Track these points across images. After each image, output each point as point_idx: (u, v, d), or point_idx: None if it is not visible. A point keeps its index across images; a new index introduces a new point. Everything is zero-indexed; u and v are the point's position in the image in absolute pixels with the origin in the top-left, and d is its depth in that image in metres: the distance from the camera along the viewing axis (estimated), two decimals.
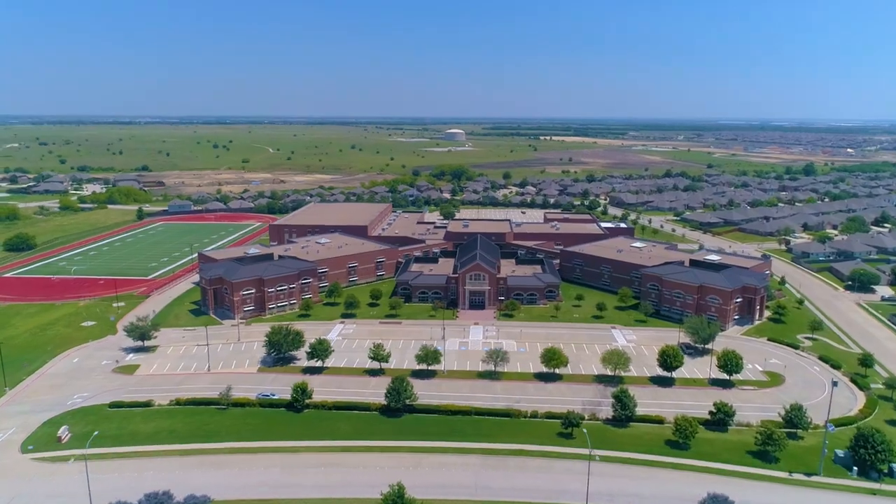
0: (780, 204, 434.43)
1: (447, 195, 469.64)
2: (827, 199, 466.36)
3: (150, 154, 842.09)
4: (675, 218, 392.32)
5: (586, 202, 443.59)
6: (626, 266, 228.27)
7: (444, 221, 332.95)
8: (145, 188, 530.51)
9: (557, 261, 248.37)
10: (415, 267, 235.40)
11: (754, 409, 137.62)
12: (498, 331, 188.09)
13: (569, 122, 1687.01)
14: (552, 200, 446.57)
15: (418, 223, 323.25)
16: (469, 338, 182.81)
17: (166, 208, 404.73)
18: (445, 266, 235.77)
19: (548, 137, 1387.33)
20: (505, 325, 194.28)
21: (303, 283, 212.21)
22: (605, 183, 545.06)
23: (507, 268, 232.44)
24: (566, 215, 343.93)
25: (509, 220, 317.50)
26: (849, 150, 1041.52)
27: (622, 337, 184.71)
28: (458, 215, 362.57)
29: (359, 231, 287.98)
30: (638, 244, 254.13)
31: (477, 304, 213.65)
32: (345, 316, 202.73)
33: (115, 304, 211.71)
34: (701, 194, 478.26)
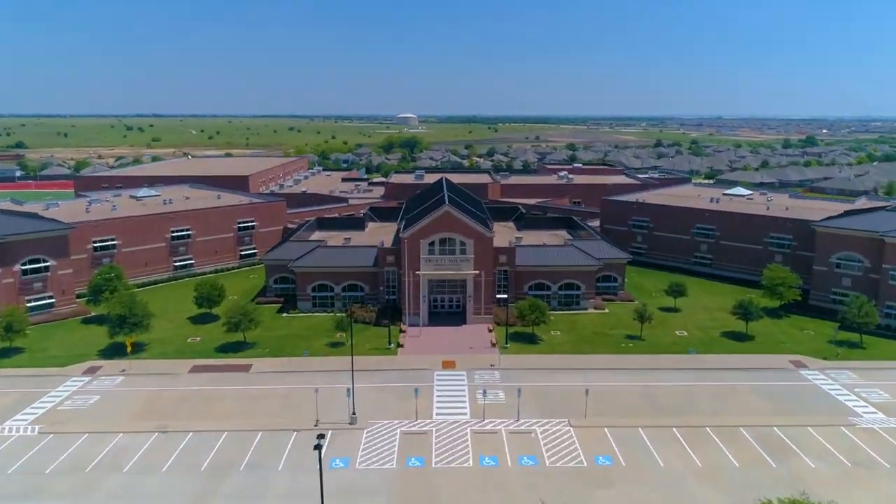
0: (830, 165, 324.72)
1: (394, 162, 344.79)
2: (875, 163, 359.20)
3: (45, 136, 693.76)
4: (706, 181, 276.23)
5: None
6: (759, 224, 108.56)
7: (386, 180, 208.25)
8: None
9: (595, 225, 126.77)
10: (316, 235, 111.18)
11: None
12: (507, 394, 65.92)
13: (528, 118, 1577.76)
14: (534, 167, 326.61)
15: (343, 180, 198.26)
16: (430, 425, 60.66)
17: None
18: (379, 234, 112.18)
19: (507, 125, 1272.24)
20: (524, 374, 72.46)
21: (27, 270, 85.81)
22: (594, 151, 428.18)
23: (506, 235, 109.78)
24: (574, 165, 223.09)
25: (489, 172, 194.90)
26: (824, 130, 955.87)
27: (853, 399, 64.77)
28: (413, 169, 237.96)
29: (235, 184, 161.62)
30: (741, 191, 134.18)
31: (448, 309, 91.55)
32: (111, 352, 77.56)
33: None
34: (718, 159, 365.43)
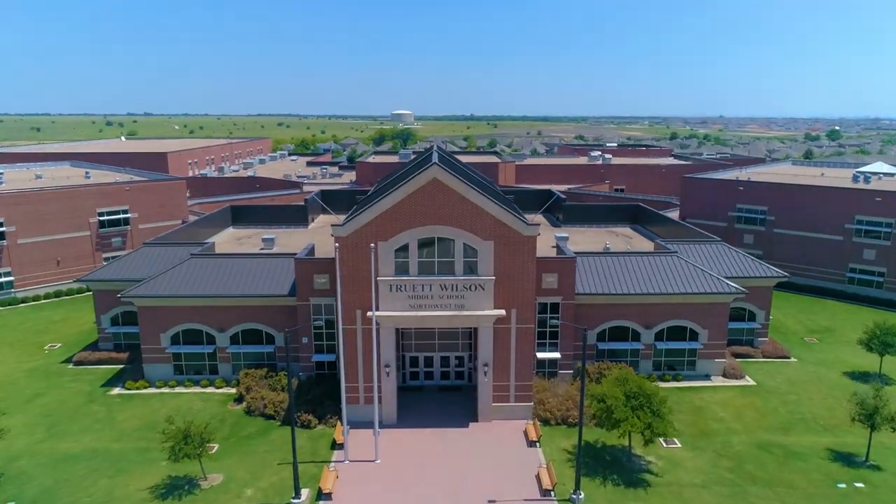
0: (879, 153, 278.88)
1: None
2: None
3: (15, 132, 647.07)
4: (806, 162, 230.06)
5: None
6: None
7: (361, 159, 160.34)
8: None
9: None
10: (224, 236, 64.42)
11: None
12: None
13: (527, 117, 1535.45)
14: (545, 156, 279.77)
15: (308, 164, 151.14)
16: None
17: None
18: (328, 235, 66.06)
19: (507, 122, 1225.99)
20: None
21: None
22: (607, 142, 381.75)
23: (542, 235, 62.73)
24: (606, 145, 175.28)
25: (497, 153, 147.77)
26: (836, 127, 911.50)
27: None
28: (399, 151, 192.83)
29: (147, 164, 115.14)
30: (884, 168, 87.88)
31: (437, 385, 45.12)
32: None
33: None
34: (754, 147, 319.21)
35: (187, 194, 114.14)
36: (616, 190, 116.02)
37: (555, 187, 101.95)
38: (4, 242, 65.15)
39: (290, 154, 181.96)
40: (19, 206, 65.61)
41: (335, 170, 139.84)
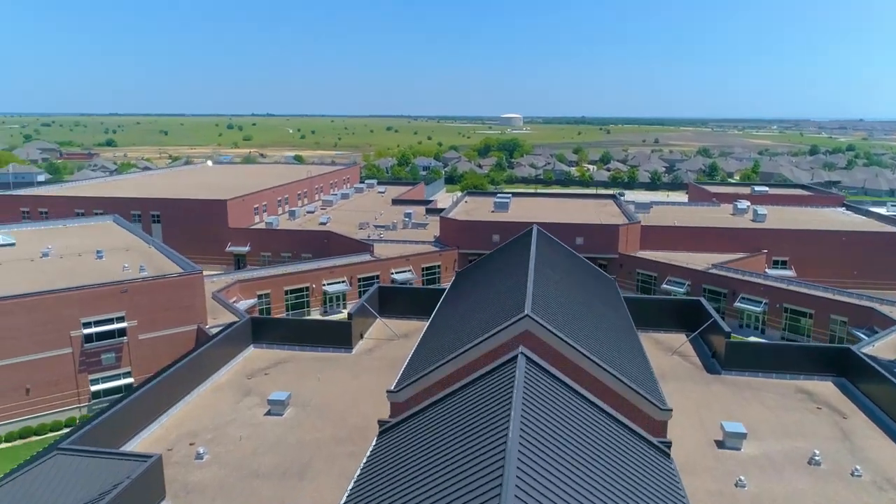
0: None
1: (486, 169, 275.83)
2: None
3: (147, 134, 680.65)
4: None
5: (723, 178, 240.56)
6: None
7: (443, 214, 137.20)
8: (64, 157, 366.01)
9: None
10: (242, 363, 44.54)
11: None
12: None
13: (642, 120, 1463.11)
14: (666, 179, 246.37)
15: (394, 203, 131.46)
16: None
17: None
18: (380, 364, 44.79)
19: (620, 127, 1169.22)
20: None
21: None
22: (735, 159, 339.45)
23: (704, 409, 38.07)
24: (755, 189, 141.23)
25: (616, 197, 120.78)
26: None
27: None
28: (494, 190, 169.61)
29: (208, 215, 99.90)
30: None
31: None
32: None
33: None
34: None
35: (246, 248, 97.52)
36: (776, 264, 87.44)
37: (692, 261, 76.00)
38: None
39: (378, 183, 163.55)
40: None
41: (421, 212, 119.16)
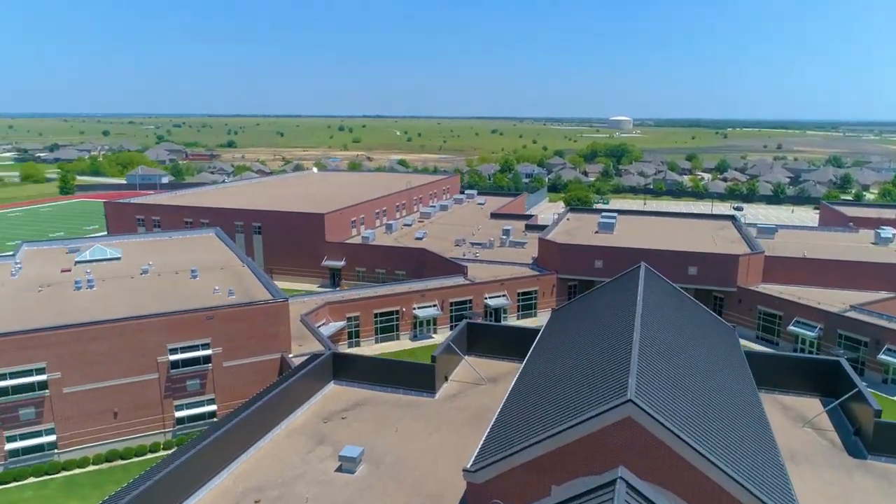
0: None
1: (592, 178, 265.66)
2: None
3: (264, 136, 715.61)
4: None
5: (858, 193, 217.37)
6: None
7: (541, 234, 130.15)
8: (189, 158, 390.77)
9: None
10: (319, 405, 42.03)
11: None
12: None
13: (763, 122, 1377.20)
14: (790, 192, 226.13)
15: (493, 216, 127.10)
16: None
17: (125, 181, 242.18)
18: (456, 421, 40.51)
19: (738, 130, 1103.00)
20: None
21: None
22: (872, 169, 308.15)
23: None
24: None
25: (736, 219, 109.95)
26: None
27: None
28: (600, 208, 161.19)
29: (307, 228, 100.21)
30: None
31: None
32: None
33: None
34: None
35: (341, 263, 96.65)
36: None
37: (825, 300, 66.62)
38: (46, 393, 49.44)
39: (478, 193, 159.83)
40: (64, 346, 49.45)
41: (520, 228, 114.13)
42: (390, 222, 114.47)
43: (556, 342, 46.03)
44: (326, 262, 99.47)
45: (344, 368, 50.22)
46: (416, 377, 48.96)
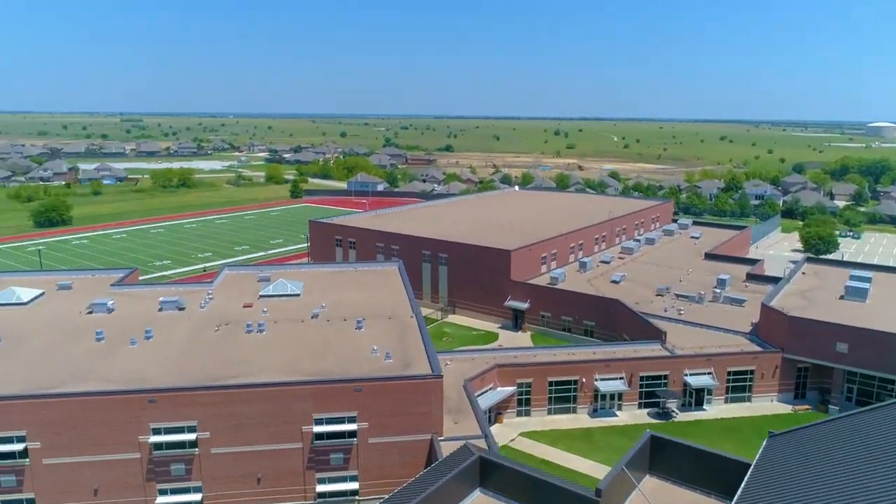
0: None
1: (841, 202, 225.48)
2: None
3: (481, 139, 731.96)
4: None
5: None
6: None
7: (770, 303, 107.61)
8: (408, 162, 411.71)
9: None
10: None
11: None
12: None
13: None
14: None
15: (707, 257, 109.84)
16: None
17: (346, 186, 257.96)
18: None
19: None
20: None
21: None
22: None
23: None
24: None
25: None
26: None
27: None
28: (849, 261, 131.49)
29: (490, 261, 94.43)
30: None
31: None
32: None
33: None
34: None
35: (525, 305, 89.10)
36: None
37: None
38: (196, 451, 48.50)
39: (692, 223, 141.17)
40: (216, 406, 48.01)
41: (740, 278, 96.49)
42: (585, 259, 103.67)
43: (774, 494, 33.27)
44: (510, 303, 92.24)
45: (492, 477, 42.34)
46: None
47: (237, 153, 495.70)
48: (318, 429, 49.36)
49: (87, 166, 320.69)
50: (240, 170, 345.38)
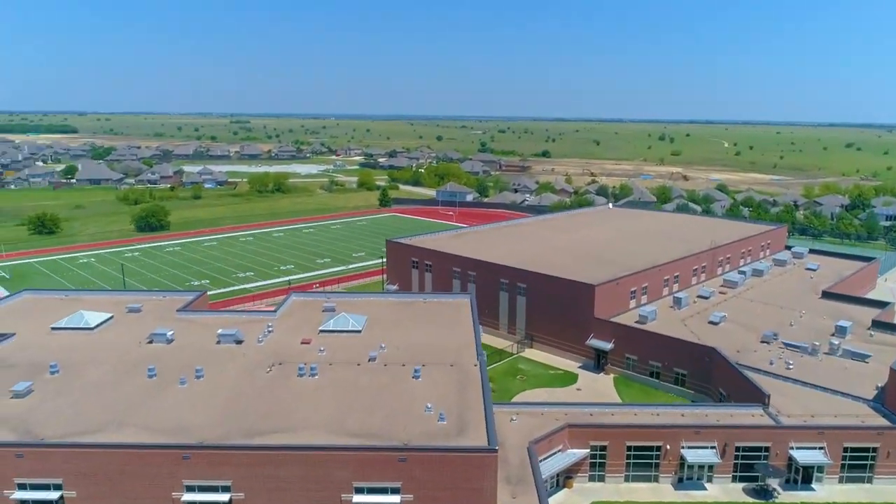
0: None
1: None
2: None
3: (580, 143, 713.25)
4: None
5: None
6: None
7: None
8: (502, 169, 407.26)
9: None
10: None
11: None
12: None
13: None
14: None
15: (824, 295, 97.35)
16: None
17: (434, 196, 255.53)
18: None
19: None
20: None
21: None
22: None
23: None
24: None
25: None
26: None
27: None
28: None
29: (572, 295, 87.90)
30: None
31: None
32: None
33: None
34: None
35: (609, 345, 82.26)
36: None
37: None
38: None
39: (808, 252, 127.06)
40: (252, 466, 45.15)
41: (864, 323, 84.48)
42: (681, 295, 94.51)
43: None
44: (592, 342, 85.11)
45: None
46: None
47: (334, 157, 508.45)
48: (357, 498, 45.39)
49: (191, 169, 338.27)
50: (334, 174, 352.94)
